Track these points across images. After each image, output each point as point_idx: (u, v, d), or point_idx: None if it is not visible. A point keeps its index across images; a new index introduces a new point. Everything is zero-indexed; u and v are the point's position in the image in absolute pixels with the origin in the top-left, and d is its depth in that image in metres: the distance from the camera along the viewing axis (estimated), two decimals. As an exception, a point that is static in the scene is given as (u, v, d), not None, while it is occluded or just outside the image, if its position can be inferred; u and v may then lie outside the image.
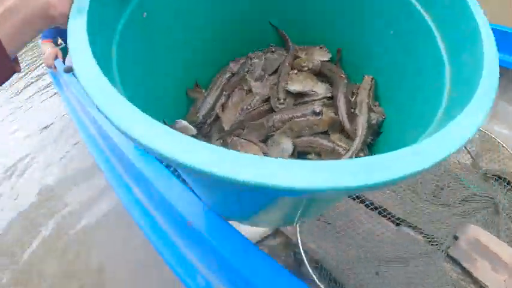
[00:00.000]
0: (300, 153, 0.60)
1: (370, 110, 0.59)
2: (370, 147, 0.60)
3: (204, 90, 0.70)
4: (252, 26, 0.69)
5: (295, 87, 0.63)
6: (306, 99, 0.64)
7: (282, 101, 0.63)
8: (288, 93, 0.64)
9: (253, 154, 0.27)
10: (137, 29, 0.50)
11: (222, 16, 0.65)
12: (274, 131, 0.61)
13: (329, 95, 0.64)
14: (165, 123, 0.59)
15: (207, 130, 0.66)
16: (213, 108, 0.66)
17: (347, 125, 0.58)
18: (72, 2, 0.40)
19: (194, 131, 0.63)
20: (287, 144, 0.58)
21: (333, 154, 0.58)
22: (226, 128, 0.63)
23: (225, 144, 0.60)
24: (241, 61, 0.70)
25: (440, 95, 0.45)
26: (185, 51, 0.63)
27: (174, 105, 0.66)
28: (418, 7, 0.51)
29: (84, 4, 0.38)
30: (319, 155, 0.58)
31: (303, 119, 0.60)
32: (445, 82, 0.45)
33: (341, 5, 0.63)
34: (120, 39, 0.45)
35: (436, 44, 0.48)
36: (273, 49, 0.71)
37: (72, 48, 0.34)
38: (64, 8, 0.40)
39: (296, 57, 0.69)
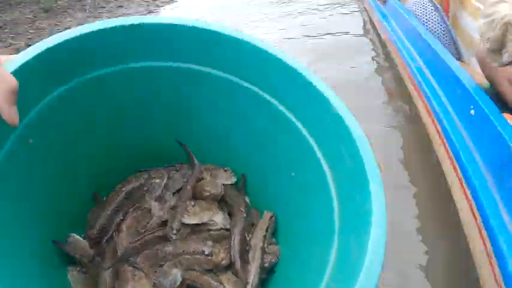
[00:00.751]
0: (188, 286, 0.58)
1: (264, 252, 0.59)
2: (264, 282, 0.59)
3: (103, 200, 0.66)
4: (156, 143, 0.68)
5: (191, 220, 0.62)
6: (202, 228, 0.63)
7: (175, 231, 0.61)
8: (184, 224, 0.62)
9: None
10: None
11: (120, 136, 0.63)
12: (166, 261, 0.59)
13: (227, 226, 0.63)
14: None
15: (102, 248, 0.62)
16: (108, 225, 0.63)
17: (238, 268, 0.58)
18: None
19: (87, 246, 0.60)
20: (176, 277, 0.57)
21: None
22: (119, 253, 0.59)
23: (117, 273, 0.58)
24: (143, 176, 0.68)
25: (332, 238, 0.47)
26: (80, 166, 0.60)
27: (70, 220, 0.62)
28: (322, 161, 0.52)
29: None
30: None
31: (193, 256, 0.58)
32: (334, 228, 0.47)
33: (246, 136, 0.65)
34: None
35: (330, 195, 0.50)
36: (177, 167, 0.70)
37: None
38: None
39: (200, 179, 0.68)
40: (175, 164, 0.71)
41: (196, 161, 0.70)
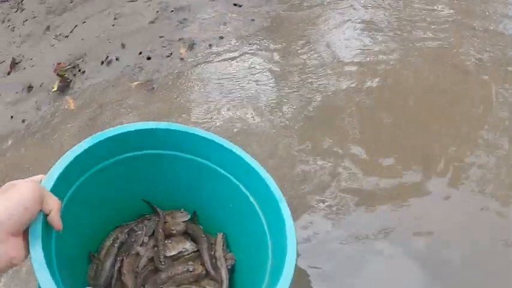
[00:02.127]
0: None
1: (226, 259, 0.90)
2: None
3: (95, 255, 0.90)
4: (129, 202, 0.94)
5: (171, 252, 0.91)
6: (179, 255, 0.92)
7: (163, 263, 0.89)
8: (167, 256, 0.90)
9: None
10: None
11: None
12: (164, 283, 0.87)
13: (195, 249, 0.93)
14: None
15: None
16: (111, 275, 0.87)
17: (213, 274, 0.89)
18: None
19: None
20: None
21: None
22: None
23: None
24: (125, 230, 0.94)
25: (266, 253, 0.78)
26: None
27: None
28: (250, 197, 0.84)
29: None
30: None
31: (182, 274, 0.87)
32: (267, 244, 0.79)
33: (194, 186, 0.95)
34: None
35: (260, 221, 0.82)
36: (148, 217, 0.97)
37: None
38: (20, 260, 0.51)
39: (165, 221, 0.96)
40: (146, 215, 0.98)
41: (159, 211, 0.97)
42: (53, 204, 0.55)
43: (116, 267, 0.89)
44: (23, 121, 1.48)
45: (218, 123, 1.43)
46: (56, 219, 0.56)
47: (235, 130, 1.41)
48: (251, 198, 0.84)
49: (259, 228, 0.81)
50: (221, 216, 0.96)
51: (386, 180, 1.27)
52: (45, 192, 0.55)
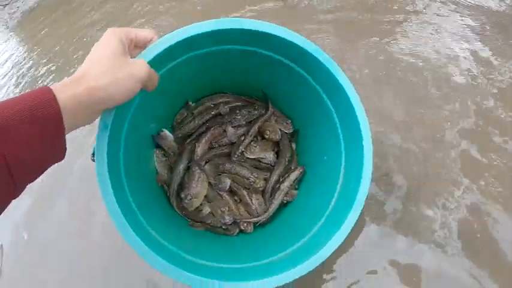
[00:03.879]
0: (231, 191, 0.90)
1: (285, 195, 0.86)
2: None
3: (191, 104, 0.93)
4: (242, 83, 0.91)
5: (250, 155, 0.89)
6: (255, 159, 0.90)
7: (236, 156, 0.88)
8: (243, 154, 0.89)
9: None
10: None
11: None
12: (224, 172, 0.89)
13: (272, 164, 0.90)
14: (152, 136, 0.86)
15: (183, 147, 0.91)
16: (193, 132, 0.91)
17: (266, 197, 0.87)
18: (128, 95, 0.52)
19: (172, 140, 0.89)
20: (227, 184, 0.87)
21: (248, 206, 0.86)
22: (195, 157, 0.88)
23: (188, 169, 0.88)
24: (230, 104, 0.93)
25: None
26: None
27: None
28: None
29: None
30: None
31: (242, 178, 0.87)
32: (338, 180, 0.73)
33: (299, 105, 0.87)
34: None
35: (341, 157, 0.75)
36: (256, 106, 0.93)
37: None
38: (120, 101, 0.51)
39: (267, 120, 0.92)
40: (256, 100, 0.95)
41: (271, 108, 0.93)
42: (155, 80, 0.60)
43: (199, 131, 0.92)
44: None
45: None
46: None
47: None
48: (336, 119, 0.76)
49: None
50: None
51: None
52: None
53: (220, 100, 0.94)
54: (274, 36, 0.67)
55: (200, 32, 0.64)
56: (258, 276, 0.59)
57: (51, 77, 1.32)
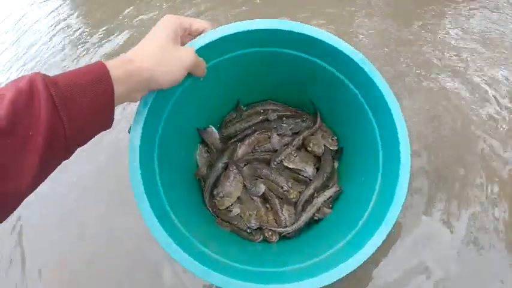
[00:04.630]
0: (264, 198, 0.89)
1: (317, 211, 0.84)
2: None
3: (242, 107, 0.95)
4: (292, 92, 0.91)
5: (289, 165, 0.88)
6: (294, 171, 0.89)
7: (276, 163, 0.88)
8: (283, 163, 0.88)
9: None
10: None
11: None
12: (260, 178, 0.89)
13: (310, 177, 0.88)
14: (197, 129, 0.88)
15: (226, 146, 0.92)
16: (238, 133, 0.92)
17: (297, 209, 0.85)
18: (172, 80, 0.57)
19: (217, 137, 0.91)
20: (261, 189, 0.87)
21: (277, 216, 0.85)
22: (236, 157, 0.90)
23: (226, 168, 0.89)
24: (279, 113, 0.94)
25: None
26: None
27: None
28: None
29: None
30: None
31: (277, 186, 0.87)
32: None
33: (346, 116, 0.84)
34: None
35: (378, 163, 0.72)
36: (304, 118, 0.93)
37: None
38: (163, 84, 0.56)
39: (312, 134, 0.91)
40: (304, 112, 0.95)
41: (319, 121, 0.91)
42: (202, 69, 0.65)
43: (244, 133, 0.93)
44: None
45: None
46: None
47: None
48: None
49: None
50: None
51: None
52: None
53: (270, 107, 0.94)
54: (338, 51, 0.67)
55: (256, 28, 0.66)
56: (278, 280, 0.58)
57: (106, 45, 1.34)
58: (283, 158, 0.88)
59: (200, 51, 0.63)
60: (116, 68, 0.48)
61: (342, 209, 0.84)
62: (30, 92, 0.40)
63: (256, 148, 0.92)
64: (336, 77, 0.75)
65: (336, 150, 0.92)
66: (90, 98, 0.45)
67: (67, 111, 0.42)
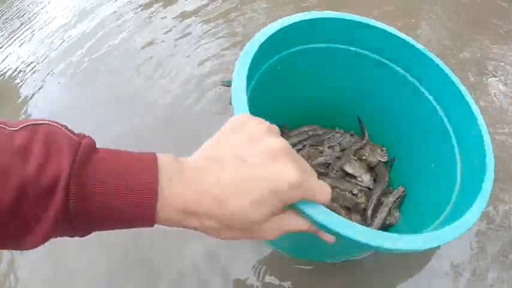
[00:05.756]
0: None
1: (388, 214, 0.81)
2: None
3: (287, 131, 0.94)
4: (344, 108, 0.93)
5: (349, 169, 0.86)
6: (353, 180, 0.87)
7: (334, 172, 0.86)
8: (342, 169, 0.86)
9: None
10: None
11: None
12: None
13: (369, 186, 0.86)
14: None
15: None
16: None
17: (367, 214, 0.81)
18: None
19: None
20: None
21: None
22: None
23: None
24: (326, 129, 0.94)
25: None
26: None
27: None
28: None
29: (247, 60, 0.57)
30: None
31: (343, 192, 0.83)
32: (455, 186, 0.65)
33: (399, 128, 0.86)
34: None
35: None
36: (352, 133, 0.94)
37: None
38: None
39: (361, 148, 0.91)
40: (352, 132, 0.96)
41: (367, 135, 0.93)
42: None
43: (295, 148, 0.91)
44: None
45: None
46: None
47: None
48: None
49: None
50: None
51: None
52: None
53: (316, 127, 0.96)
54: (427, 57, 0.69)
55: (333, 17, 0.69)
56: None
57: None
58: (343, 162, 0.87)
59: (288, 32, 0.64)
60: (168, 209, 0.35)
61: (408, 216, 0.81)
62: (49, 187, 0.30)
63: (309, 161, 0.90)
64: (412, 87, 0.76)
65: (387, 162, 0.92)
66: (115, 222, 0.35)
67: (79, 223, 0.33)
